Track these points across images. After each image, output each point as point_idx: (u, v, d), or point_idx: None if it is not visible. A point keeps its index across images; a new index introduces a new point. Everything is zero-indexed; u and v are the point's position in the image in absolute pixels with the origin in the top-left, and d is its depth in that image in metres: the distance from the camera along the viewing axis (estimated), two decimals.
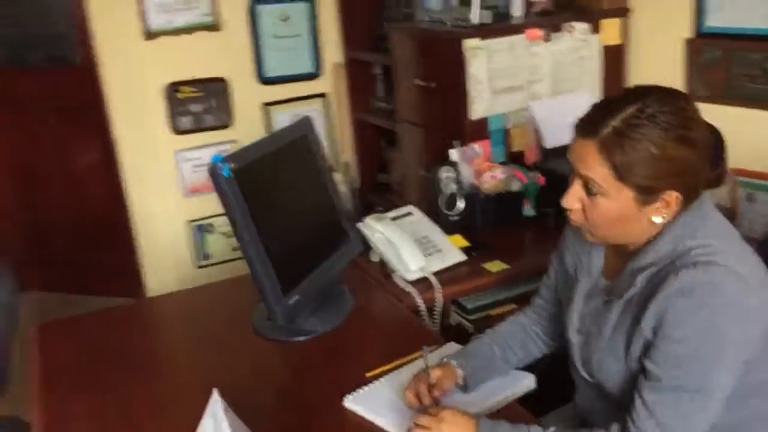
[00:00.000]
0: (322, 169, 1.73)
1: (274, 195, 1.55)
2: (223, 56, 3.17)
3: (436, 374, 1.29)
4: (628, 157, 1.08)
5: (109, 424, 1.32)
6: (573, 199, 1.15)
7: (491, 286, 1.83)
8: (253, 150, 1.53)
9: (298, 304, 1.52)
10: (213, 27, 3.14)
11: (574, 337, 1.25)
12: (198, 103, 3.19)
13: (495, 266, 1.84)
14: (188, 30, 3.11)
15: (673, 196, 1.11)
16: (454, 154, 2.10)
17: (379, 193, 3.47)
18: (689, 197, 1.13)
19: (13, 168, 3.58)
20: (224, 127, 3.23)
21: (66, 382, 1.47)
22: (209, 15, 3.12)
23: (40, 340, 1.64)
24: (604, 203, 1.12)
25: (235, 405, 1.19)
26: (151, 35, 3.06)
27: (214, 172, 1.40)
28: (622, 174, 1.09)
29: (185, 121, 3.18)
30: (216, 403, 1.18)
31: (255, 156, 1.51)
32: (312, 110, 3.37)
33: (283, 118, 3.32)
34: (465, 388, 1.33)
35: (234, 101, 3.24)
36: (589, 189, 1.13)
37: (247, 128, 3.24)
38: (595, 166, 1.10)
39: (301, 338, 1.58)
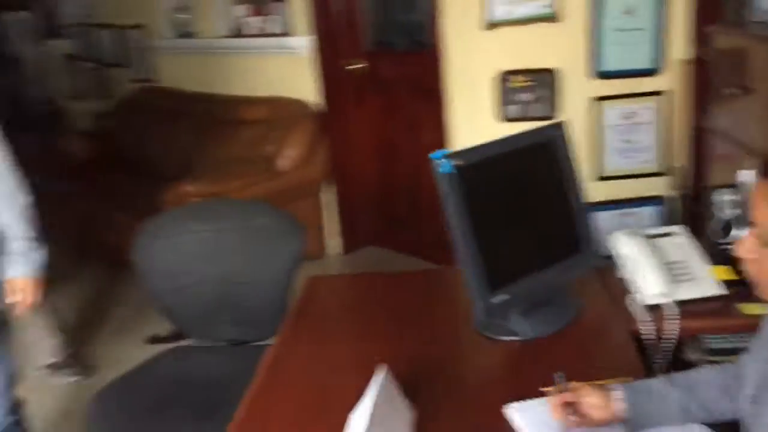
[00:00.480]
0: (565, 177, 1.71)
1: (499, 195, 1.59)
2: (556, 47, 3.19)
3: (586, 397, 1.23)
4: None
5: (318, 372, 1.53)
6: (743, 248, 1.01)
7: (742, 329, 1.62)
8: (484, 149, 1.59)
9: (505, 304, 1.56)
10: (552, 18, 3.17)
11: (746, 406, 1.09)
12: (527, 92, 3.27)
13: (753, 309, 1.62)
14: (527, 21, 3.19)
15: None
16: (743, 175, 1.87)
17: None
18: None
19: (377, 140, 4.08)
20: (549, 118, 3.26)
21: (306, 326, 1.73)
22: (550, 6, 3.16)
23: (309, 289, 1.94)
24: None
25: (410, 379, 1.31)
26: (490, 25, 3.21)
27: (435, 166, 1.50)
28: None
29: (513, 110, 3.29)
30: (379, 375, 1.31)
31: (484, 155, 1.57)
32: (645, 108, 3.22)
33: (613, 114, 3.23)
34: (625, 425, 1.25)
35: (562, 93, 3.24)
36: (761, 237, 0.98)
37: (572, 121, 3.21)
38: (765, 211, 0.96)
39: (507, 338, 1.61)
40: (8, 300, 1.95)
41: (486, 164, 1.57)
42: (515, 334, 1.61)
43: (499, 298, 1.55)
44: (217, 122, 4.23)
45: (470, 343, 1.63)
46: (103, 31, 5.33)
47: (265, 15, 4.28)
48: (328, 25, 3.93)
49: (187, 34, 4.70)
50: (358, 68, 3.97)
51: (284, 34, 4.10)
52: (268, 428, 1.38)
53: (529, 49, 3.22)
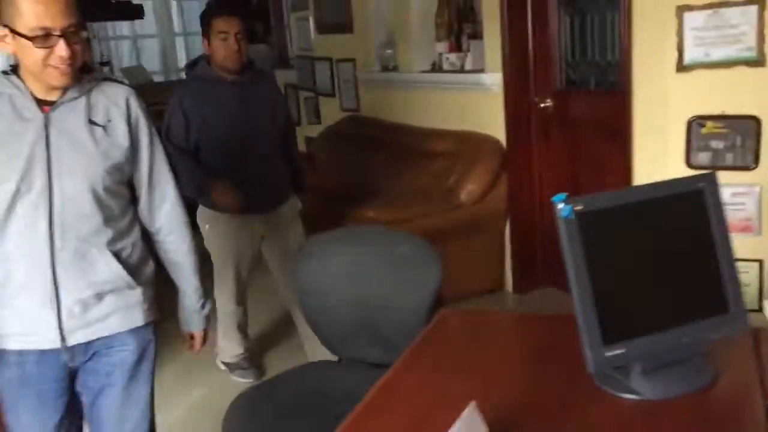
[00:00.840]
0: (714, 231, 1.59)
1: (626, 245, 1.53)
2: (759, 93, 2.95)
3: None
4: None
5: (422, 402, 1.56)
6: None
7: None
8: (615, 196, 1.54)
9: (621, 358, 1.49)
10: (755, 62, 2.94)
11: None
12: (721, 139, 3.05)
13: None
14: (726, 64, 2.99)
15: None
16: None
17: None
18: None
19: (559, 179, 4.00)
20: (745, 168, 3.01)
21: (426, 356, 1.77)
22: (753, 50, 2.93)
23: (441, 320, 1.97)
24: None
25: (509, 420, 1.33)
26: (684, 68, 3.05)
27: (556, 210, 1.48)
28: None
29: (703, 157, 3.08)
30: (467, 412, 1.32)
31: (612, 202, 1.52)
32: None
33: None
34: None
35: (763, 142, 2.98)
36: None
37: None
38: None
39: (625, 395, 1.53)
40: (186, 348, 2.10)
41: (613, 212, 1.51)
42: (635, 393, 1.53)
43: (614, 351, 1.48)
44: (410, 152, 4.40)
45: (583, 394, 1.57)
46: (319, 63, 5.77)
47: (463, 52, 4.40)
48: (520, 62, 3.95)
49: (391, 68, 4.95)
50: (546, 106, 3.94)
51: (478, 71, 4.18)
52: None
53: (727, 94, 3.01)
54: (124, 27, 6.69)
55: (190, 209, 2.08)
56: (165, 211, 1.92)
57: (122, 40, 6.96)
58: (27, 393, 1.80)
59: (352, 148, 4.97)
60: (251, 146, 3.04)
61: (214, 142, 3.01)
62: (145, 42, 7.20)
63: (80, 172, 1.72)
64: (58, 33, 1.62)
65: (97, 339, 1.80)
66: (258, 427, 1.91)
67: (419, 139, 4.45)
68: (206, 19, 3.03)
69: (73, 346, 1.78)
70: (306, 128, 6.09)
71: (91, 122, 1.74)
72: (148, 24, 7.19)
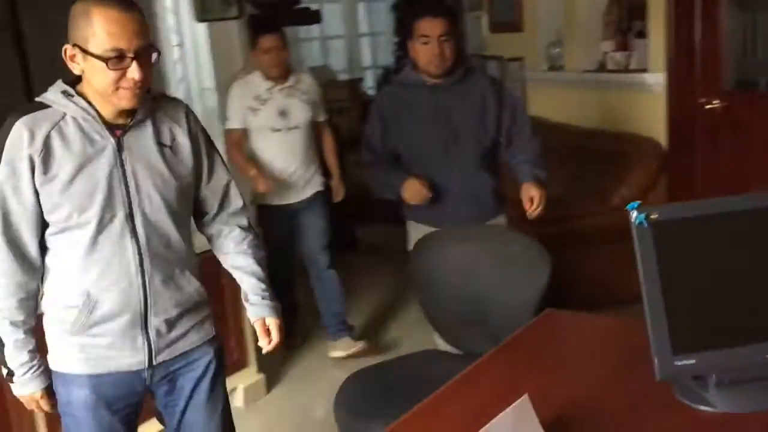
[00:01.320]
0: None
1: (703, 256, 1.52)
2: None
3: None
4: None
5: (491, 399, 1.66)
6: None
7: None
8: (696, 206, 1.53)
9: (691, 369, 1.49)
10: None
11: None
12: None
13: None
14: None
15: None
16: None
17: None
18: None
19: (725, 184, 3.79)
20: None
21: (512, 352, 1.85)
22: None
23: (541, 320, 2.04)
24: None
25: (576, 418, 1.41)
26: None
27: (630, 217, 1.51)
28: None
29: None
30: (518, 404, 1.40)
31: (690, 212, 1.52)
32: None
33: None
34: None
35: None
36: None
37: None
38: None
39: (700, 407, 1.52)
40: (260, 343, 1.94)
41: (691, 221, 1.51)
42: (710, 405, 1.52)
43: (684, 361, 1.49)
44: (569, 152, 4.38)
45: (659, 403, 1.58)
46: (490, 62, 5.85)
47: (629, 50, 4.29)
48: (685, 61, 3.80)
49: (558, 67, 4.93)
50: (713, 107, 3.76)
51: (642, 70, 4.07)
52: None
53: None
54: (313, 29, 7.17)
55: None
56: (228, 213, 1.91)
57: (312, 41, 7.46)
58: (97, 415, 1.77)
59: None
60: (453, 155, 2.79)
61: (413, 149, 2.84)
62: (332, 42, 7.67)
63: (157, 196, 1.71)
64: (131, 55, 1.58)
65: (179, 355, 1.82)
66: (362, 402, 2.10)
67: (579, 138, 4.41)
68: (407, 22, 2.88)
69: (157, 365, 1.79)
70: None
71: (160, 144, 1.73)
72: (336, 25, 7.66)
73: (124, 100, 1.62)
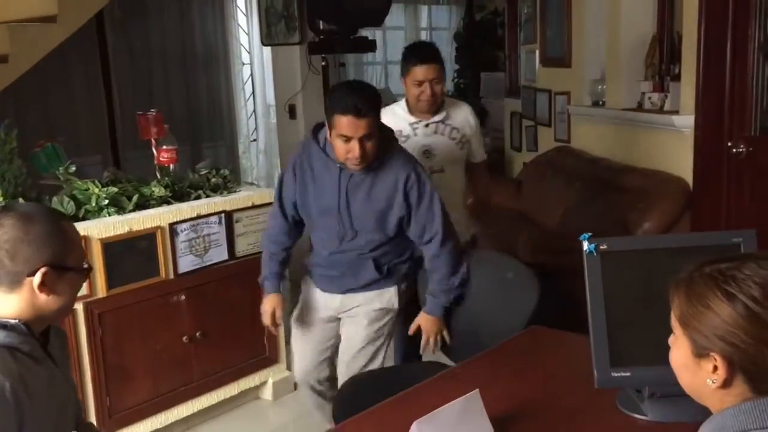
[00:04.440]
0: None
1: (644, 285, 1.75)
2: None
3: None
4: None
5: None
6: None
7: None
8: (644, 241, 1.78)
9: (625, 381, 1.72)
10: None
11: None
12: None
13: None
14: None
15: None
16: None
17: None
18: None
19: (751, 225, 3.93)
20: None
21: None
22: None
23: (525, 335, 2.29)
24: None
25: (516, 416, 1.65)
26: None
27: (582, 246, 1.76)
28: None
29: None
30: (469, 396, 1.67)
31: (638, 246, 1.76)
32: None
33: None
34: None
35: None
36: None
37: None
38: None
39: (635, 415, 1.75)
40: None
41: (632, 254, 1.75)
42: (643, 414, 1.75)
43: (620, 373, 1.72)
44: (601, 186, 4.57)
45: (600, 409, 1.81)
46: (540, 94, 6.08)
47: (665, 92, 4.47)
48: (714, 105, 3.95)
49: (600, 104, 5.13)
50: (739, 151, 3.90)
51: (674, 112, 4.24)
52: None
53: None
54: (378, 54, 7.54)
55: None
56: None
57: (375, 66, 7.82)
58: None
59: (555, 177, 5.23)
60: (346, 245, 2.63)
61: (309, 221, 2.77)
62: (394, 67, 8.02)
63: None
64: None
65: None
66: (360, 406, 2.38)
67: (612, 173, 4.59)
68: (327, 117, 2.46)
69: None
70: (525, 154, 6.43)
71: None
72: (399, 51, 8.00)
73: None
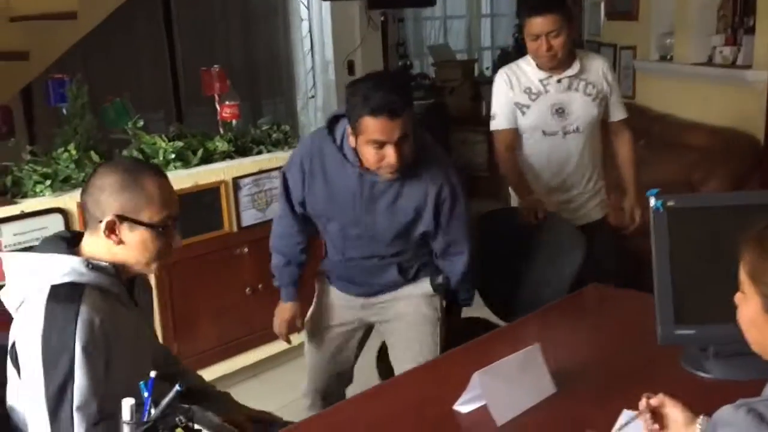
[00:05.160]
0: None
1: (712, 242, 1.72)
2: None
3: (673, 410, 1.41)
4: None
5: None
6: None
7: None
8: (705, 198, 1.74)
9: (689, 338, 1.71)
10: None
11: None
12: None
13: None
14: None
15: None
16: None
17: None
18: None
19: None
20: None
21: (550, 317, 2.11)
22: None
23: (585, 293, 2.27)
24: None
25: (581, 372, 1.70)
26: None
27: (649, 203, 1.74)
28: None
29: None
30: (529, 349, 1.68)
31: (700, 203, 1.72)
32: None
33: None
34: None
35: None
36: None
37: None
38: None
39: (700, 373, 1.74)
40: None
41: (701, 210, 1.72)
42: (707, 372, 1.73)
43: (684, 331, 1.71)
44: (665, 143, 4.46)
45: (663, 367, 1.80)
46: (605, 49, 5.91)
47: (737, 46, 4.30)
48: None
49: (668, 58, 4.97)
50: None
51: (746, 67, 4.09)
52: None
53: None
54: (437, 9, 7.42)
55: None
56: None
57: (434, 20, 7.72)
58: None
59: None
60: (365, 243, 2.31)
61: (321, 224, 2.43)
62: (453, 22, 7.90)
63: None
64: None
65: None
66: None
67: (677, 130, 4.47)
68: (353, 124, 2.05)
69: None
70: None
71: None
72: (458, 5, 7.88)
73: (158, 268, 1.65)
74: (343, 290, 2.36)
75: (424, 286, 2.31)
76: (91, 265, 1.52)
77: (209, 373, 3.25)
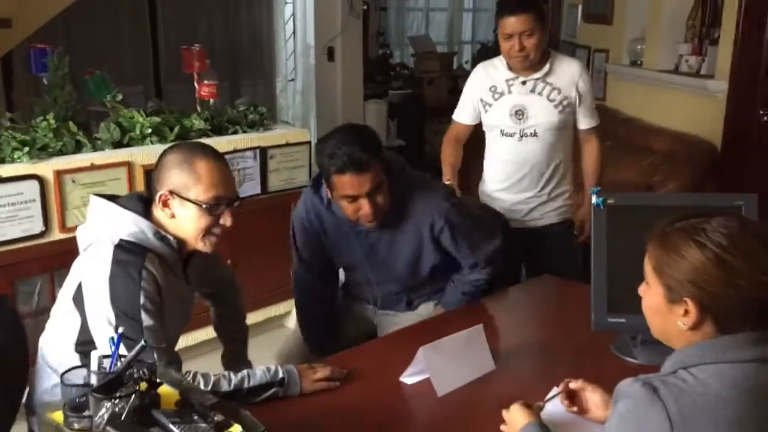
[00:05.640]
0: None
1: (642, 239, 1.85)
2: None
3: (591, 393, 1.58)
4: None
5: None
6: None
7: None
8: (649, 197, 1.89)
9: (619, 326, 1.86)
10: None
11: None
12: None
13: None
14: None
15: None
16: None
17: None
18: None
19: None
20: None
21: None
22: None
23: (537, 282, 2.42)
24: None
25: (517, 351, 1.86)
26: None
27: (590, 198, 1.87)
28: None
29: None
30: (474, 328, 1.82)
31: (643, 202, 1.87)
32: None
33: None
34: None
35: None
36: None
37: None
38: None
39: (624, 358, 1.89)
40: None
41: (641, 209, 1.86)
42: (634, 357, 1.88)
43: (615, 319, 1.85)
44: (630, 146, 4.62)
45: (595, 352, 1.95)
46: (579, 51, 6.07)
47: (702, 56, 4.47)
48: (748, 72, 3.97)
49: (637, 63, 5.13)
50: None
51: (709, 76, 4.26)
52: None
53: None
54: (420, 1, 7.54)
55: None
56: None
57: (416, 12, 7.83)
58: None
59: None
60: (379, 283, 2.43)
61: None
62: (435, 14, 8.02)
63: None
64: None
65: None
66: None
67: (642, 134, 4.63)
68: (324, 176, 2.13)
69: None
70: None
71: None
72: None
73: (209, 245, 1.78)
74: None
75: (427, 308, 2.38)
76: (159, 235, 1.71)
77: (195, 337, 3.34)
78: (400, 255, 2.21)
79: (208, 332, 3.41)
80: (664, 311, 1.29)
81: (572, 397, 1.61)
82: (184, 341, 3.41)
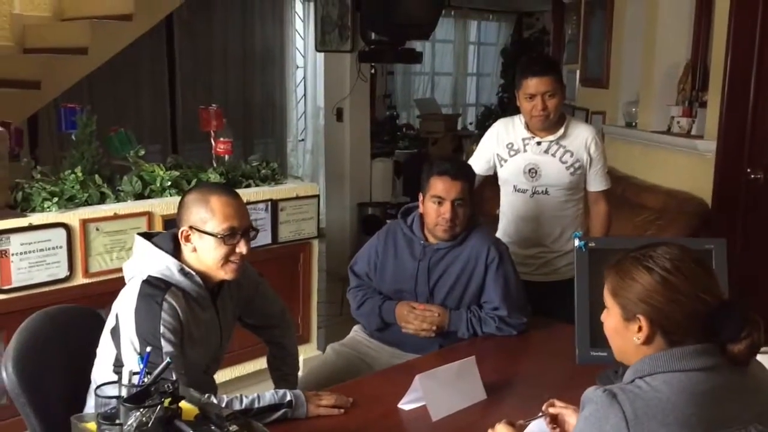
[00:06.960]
0: None
1: None
2: None
3: (571, 417, 1.70)
4: None
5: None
6: None
7: None
8: (626, 241, 2.05)
9: (602, 359, 2.01)
10: None
11: None
12: None
13: None
14: None
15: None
16: None
17: None
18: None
19: (762, 251, 4.15)
20: None
21: None
22: None
23: None
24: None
25: (502, 383, 1.98)
26: None
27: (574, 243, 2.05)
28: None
29: None
30: (465, 360, 1.97)
31: (616, 245, 2.04)
32: None
33: None
34: None
35: None
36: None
37: None
38: None
39: None
40: None
41: (616, 252, 2.02)
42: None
43: (598, 353, 2.01)
44: (625, 202, 4.81)
45: (576, 385, 2.06)
46: (578, 113, 6.33)
47: (692, 117, 4.70)
48: (736, 133, 4.18)
49: (632, 125, 5.37)
50: (757, 178, 4.12)
51: (699, 137, 4.47)
52: None
53: None
54: (426, 65, 7.87)
55: None
56: None
57: (423, 75, 8.16)
58: None
59: None
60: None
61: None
62: (440, 78, 8.35)
63: None
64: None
65: None
66: None
67: (637, 191, 4.83)
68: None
69: None
70: None
71: None
72: (446, 63, 8.33)
73: (231, 272, 1.94)
74: (375, 339, 2.69)
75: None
76: (184, 271, 1.89)
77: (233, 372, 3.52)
78: (455, 273, 2.54)
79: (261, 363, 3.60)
80: (621, 330, 1.45)
81: (555, 419, 1.76)
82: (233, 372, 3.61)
